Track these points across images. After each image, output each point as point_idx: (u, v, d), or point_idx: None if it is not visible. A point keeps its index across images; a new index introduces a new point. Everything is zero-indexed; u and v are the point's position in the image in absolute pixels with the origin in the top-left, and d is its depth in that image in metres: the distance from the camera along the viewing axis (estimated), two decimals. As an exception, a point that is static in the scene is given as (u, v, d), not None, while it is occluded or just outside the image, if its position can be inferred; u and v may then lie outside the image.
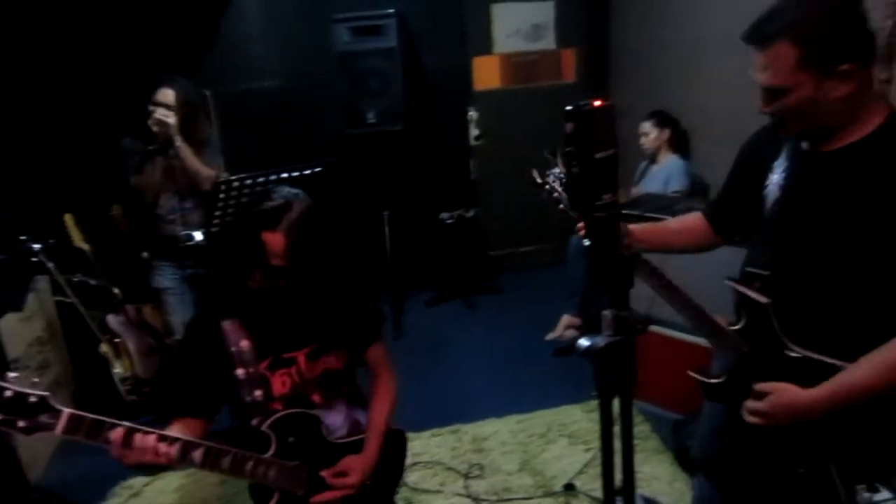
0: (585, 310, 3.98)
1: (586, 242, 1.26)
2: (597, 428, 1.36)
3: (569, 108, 1.13)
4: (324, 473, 1.81)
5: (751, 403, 1.54)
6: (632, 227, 1.78)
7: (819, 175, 1.48)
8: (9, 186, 3.82)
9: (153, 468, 1.52)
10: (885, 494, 1.55)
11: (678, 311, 1.64)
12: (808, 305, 1.52)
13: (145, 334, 3.69)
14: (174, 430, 1.60)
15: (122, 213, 3.63)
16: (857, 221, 1.40)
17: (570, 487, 2.80)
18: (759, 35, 1.41)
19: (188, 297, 3.33)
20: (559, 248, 4.31)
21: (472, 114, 5.08)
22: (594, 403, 1.35)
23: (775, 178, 1.58)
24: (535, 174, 1.81)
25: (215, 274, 3.04)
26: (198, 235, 3.13)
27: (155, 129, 3.04)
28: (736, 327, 1.63)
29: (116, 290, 3.62)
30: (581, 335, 1.29)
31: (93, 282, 3.64)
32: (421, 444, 3.14)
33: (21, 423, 1.32)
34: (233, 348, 1.75)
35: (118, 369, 3.54)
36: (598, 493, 1.55)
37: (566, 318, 4.08)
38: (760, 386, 1.53)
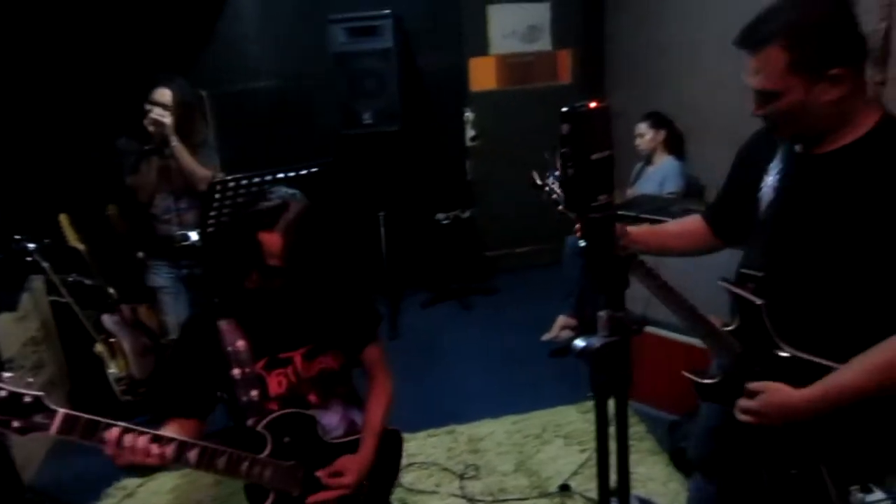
0: (581, 310, 3.99)
1: (582, 243, 1.26)
2: (592, 429, 1.35)
3: (564, 109, 1.14)
4: (319, 474, 1.81)
5: (742, 402, 1.55)
6: (630, 229, 1.79)
7: (812, 177, 1.49)
8: (3, 186, 3.81)
9: (146, 470, 1.51)
10: (878, 495, 1.55)
11: (673, 312, 1.64)
12: (801, 307, 1.52)
13: (140, 334, 3.69)
14: (169, 431, 1.59)
15: (118, 213, 3.63)
16: (848, 223, 1.41)
17: (565, 488, 2.80)
18: (750, 39, 1.42)
19: (183, 297, 3.33)
20: (555, 248, 4.31)
21: (469, 115, 5.08)
22: (590, 404, 1.35)
23: (770, 179, 1.59)
24: (535, 175, 1.82)
25: (212, 274, 3.03)
26: (193, 235, 3.13)
27: (151, 128, 3.04)
28: (730, 328, 1.63)
29: (111, 290, 3.62)
30: (577, 336, 1.29)
31: (88, 281, 3.63)
32: (416, 445, 3.14)
33: (16, 424, 1.32)
34: (229, 348, 1.75)
35: (113, 369, 3.53)
36: (594, 494, 1.55)
37: (562, 319, 4.08)
38: (752, 385, 1.53)
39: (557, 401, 3.43)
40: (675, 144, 4.08)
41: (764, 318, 1.55)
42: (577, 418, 3.29)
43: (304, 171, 2.56)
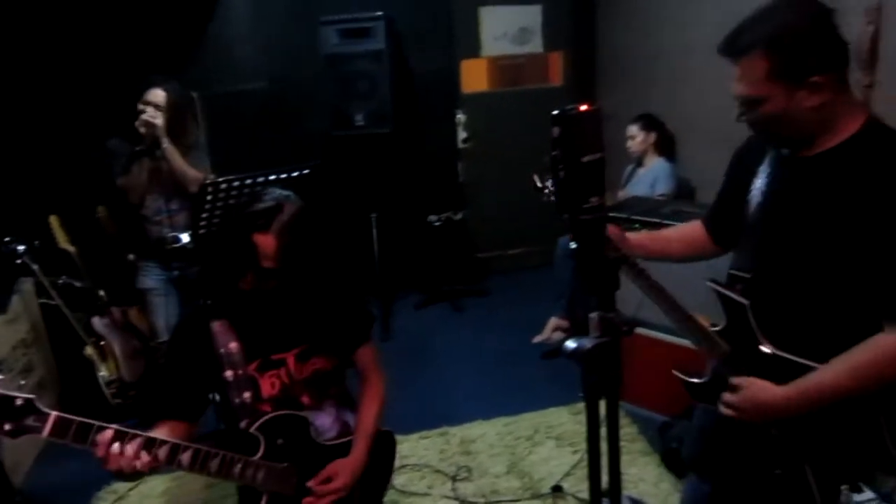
0: (573, 312, 4.00)
1: (573, 245, 1.27)
2: (584, 430, 1.36)
3: (555, 112, 1.14)
4: (311, 484, 1.81)
5: (725, 396, 1.57)
6: (629, 235, 1.80)
7: (798, 180, 1.51)
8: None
9: (135, 475, 1.50)
10: (868, 494, 1.57)
11: (664, 312, 1.65)
12: (787, 307, 1.54)
13: (131, 337, 3.67)
14: (159, 433, 1.59)
15: (108, 215, 3.61)
16: (831, 225, 1.43)
17: (557, 489, 2.81)
18: (732, 47, 1.45)
19: (173, 299, 3.31)
20: (547, 250, 4.33)
21: (460, 116, 5.09)
22: (581, 405, 1.35)
23: (759, 182, 1.61)
24: (536, 178, 1.83)
25: (206, 275, 3.03)
26: (184, 237, 3.12)
27: (142, 130, 3.03)
28: (717, 328, 1.65)
29: (102, 293, 3.60)
30: (568, 337, 1.29)
31: (78, 284, 3.62)
32: (409, 447, 3.14)
33: (7, 426, 1.32)
34: (221, 350, 1.75)
35: (103, 372, 3.51)
36: (586, 495, 1.56)
37: (553, 321, 4.10)
38: (735, 380, 1.56)
39: (549, 402, 3.43)
40: (666, 146, 4.10)
41: (749, 318, 1.57)
42: (568, 419, 3.30)
43: (295, 173, 2.56)
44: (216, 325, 1.76)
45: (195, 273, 3.20)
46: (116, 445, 1.43)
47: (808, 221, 1.48)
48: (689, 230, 1.93)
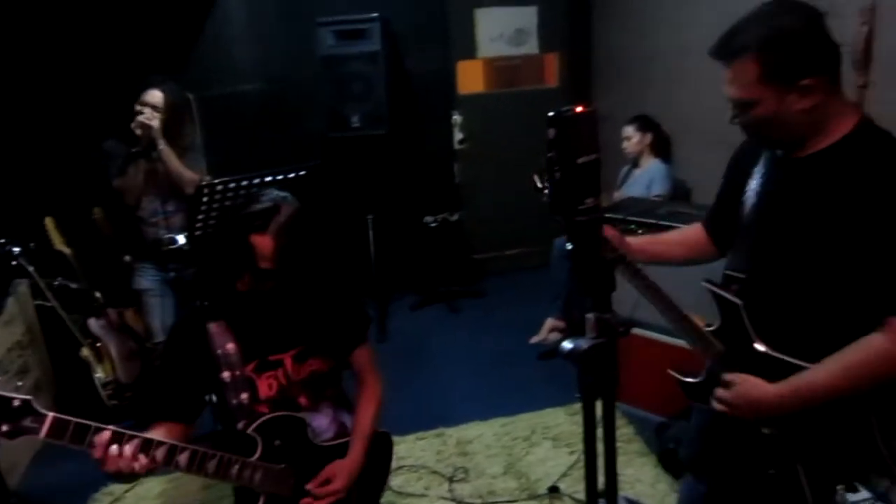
0: (569, 313, 4.01)
1: (569, 246, 1.27)
2: (580, 430, 1.36)
3: (551, 114, 1.15)
4: (309, 486, 1.81)
5: (718, 391, 1.58)
6: (629, 240, 1.80)
7: (790, 181, 1.53)
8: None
9: (131, 477, 1.50)
10: (863, 494, 1.58)
11: (659, 312, 1.66)
12: (781, 307, 1.55)
13: (127, 338, 3.66)
14: (155, 435, 1.59)
15: (104, 216, 3.61)
16: (823, 225, 1.44)
17: (554, 490, 2.81)
18: (724, 51, 1.46)
19: (169, 300, 3.31)
20: (543, 251, 4.33)
21: (456, 117, 5.09)
22: (578, 406, 1.36)
23: (753, 184, 1.63)
24: (536, 178, 1.83)
25: (203, 276, 3.03)
26: (180, 239, 3.12)
27: (138, 131, 3.03)
28: (712, 328, 1.66)
29: (97, 294, 3.59)
30: (565, 338, 1.30)
31: (73, 285, 3.61)
32: (405, 448, 3.14)
33: (4, 427, 1.31)
34: (219, 351, 1.75)
35: (99, 374, 3.51)
36: (582, 496, 1.56)
37: (550, 321, 4.10)
38: (728, 376, 1.57)
39: (546, 403, 3.44)
40: (661, 147, 4.11)
41: (743, 318, 1.58)
42: (565, 420, 3.30)
43: (291, 175, 2.56)
44: (213, 327, 1.76)
45: (191, 275, 3.20)
46: (114, 447, 1.43)
47: (801, 222, 1.49)
48: (690, 233, 1.94)
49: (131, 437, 1.46)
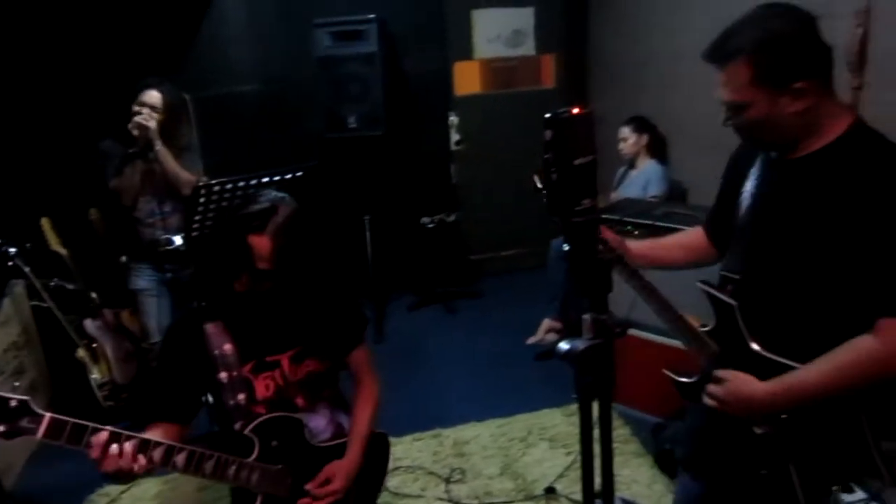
0: (566, 314, 4.01)
1: (566, 247, 1.27)
2: (577, 431, 1.36)
3: (548, 115, 1.15)
4: (308, 486, 1.81)
5: (710, 387, 1.59)
6: (630, 244, 1.81)
7: (785, 182, 1.54)
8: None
9: (128, 478, 1.50)
10: (859, 494, 1.58)
11: (655, 312, 1.67)
12: (775, 308, 1.56)
13: (123, 339, 3.66)
14: (151, 436, 1.59)
15: (100, 217, 3.60)
16: (817, 226, 1.45)
17: (550, 491, 2.82)
18: (717, 54, 1.47)
19: (165, 300, 3.31)
20: (540, 252, 4.34)
21: (453, 118, 5.10)
22: (574, 407, 1.36)
23: (749, 185, 1.64)
24: (537, 179, 1.84)
25: (200, 277, 3.03)
26: (177, 239, 3.12)
27: (135, 132, 3.02)
28: (706, 328, 1.67)
29: (94, 295, 3.59)
30: (561, 339, 1.30)
31: (70, 286, 3.60)
32: (402, 449, 3.14)
33: (1, 428, 1.32)
34: (216, 352, 1.75)
35: (95, 374, 3.50)
36: (579, 497, 1.56)
37: (547, 322, 4.11)
38: (720, 372, 1.58)
39: (542, 403, 3.44)
40: (657, 148, 4.12)
41: (737, 318, 1.59)
42: (562, 421, 3.31)
43: (288, 175, 2.56)
44: (210, 327, 1.76)
45: (188, 275, 3.20)
46: (114, 446, 1.43)
47: (794, 223, 1.50)
48: (691, 237, 1.95)
49: (129, 438, 1.46)
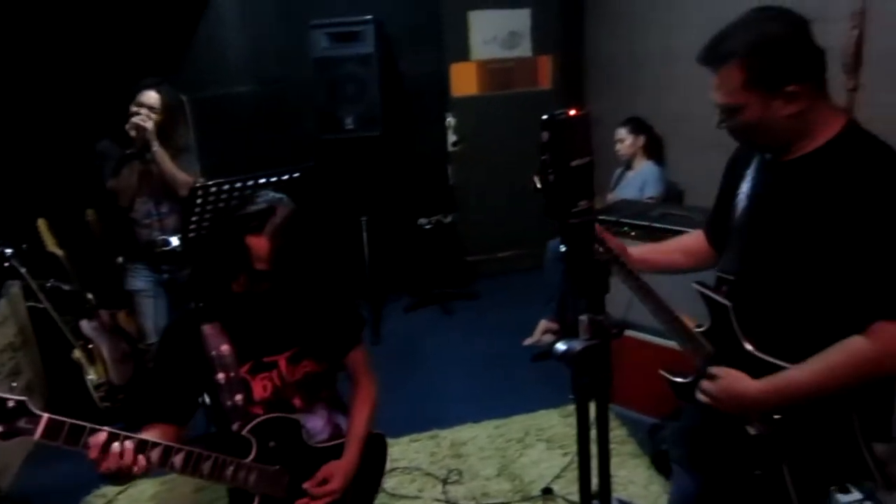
0: (562, 314, 4.01)
1: (563, 248, 1.28)
2: (574, 432, 1.37)
3: (545, 117, 1.16)
4: (306, 486, 1.81)
5: (703, 383, 1.60)
6: (631, 249, 1.81)
7: (778, 184, 1.55)
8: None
9: (125, 478, 1.50)
10: (855, 495, 1.59)
11: (651, 313, 1.67)
12: (769, 309, 1.57)
13: (119, 340, 3.65)
14: (148, 437, 1.59)
15: (97, 218, 3.60)
16: (810, 228, 1.46)
17: (547, 492, 2.82)
18: (710, 57, 1.49)
19: (162, 301, 3.31)
20: (537, 253, 4.34)
21: (450, 120, 5.10)
22: (572, 408, 1.36)
23: (745, 187, 1.65)
24: (537, 180, 1.85)
25: (197, 278, 3.03)
26: (174, 240, 3.12)
27: (132, 133, 3.02)
28: (701, 329, 1.68)
29: (90, 296, 3.58)
30: (558, 340, 1.31)
31: (66, 287, 3.59)
32: (399, 450, 3.14)
33: (-1, 428, 1.31)
34: (213, 352, 1.75)
35: (92, 375, 3.50)
36: (576, 497, 1.57)
37: (543, 323, 4.11)
38: (713, 369, 1.59)
39: (539, 405, 3.45)
40: (654, 150, 4.13)
41: (731, 319, 1.59)
42: (558, 422, 3.31)
43: (285, 176, 2.56)
44: (208, 328, 1.77)
45: (185, 276, 3.20)
46: (116, 445, 1.43)
47: (788, 224, 1.51)
48: (691, 240, 1.95)
49: (126, 439, 1.46)
